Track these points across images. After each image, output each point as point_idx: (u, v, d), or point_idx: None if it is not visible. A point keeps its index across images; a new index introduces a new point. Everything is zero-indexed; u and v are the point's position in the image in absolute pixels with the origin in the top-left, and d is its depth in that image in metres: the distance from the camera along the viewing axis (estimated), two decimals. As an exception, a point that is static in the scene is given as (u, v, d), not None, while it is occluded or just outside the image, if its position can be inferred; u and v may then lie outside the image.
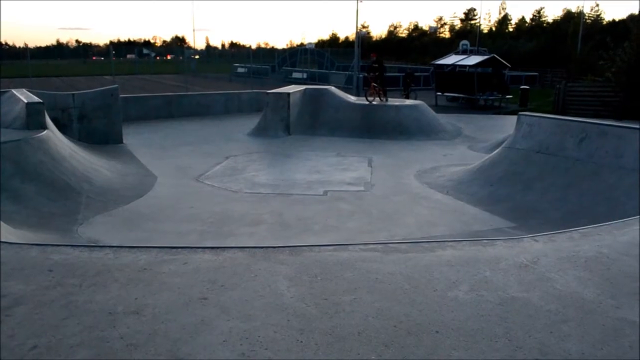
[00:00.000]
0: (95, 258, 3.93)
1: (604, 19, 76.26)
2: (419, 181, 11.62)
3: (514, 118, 22.89)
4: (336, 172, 12.37)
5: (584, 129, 10.11)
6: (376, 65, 19.53)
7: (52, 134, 10.54)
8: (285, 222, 8.49)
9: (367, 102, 18.70)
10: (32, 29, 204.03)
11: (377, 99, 19.24)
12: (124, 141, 15.35)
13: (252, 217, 8.69)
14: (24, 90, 13.17)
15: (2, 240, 4.37)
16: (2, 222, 6.38)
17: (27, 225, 7.46)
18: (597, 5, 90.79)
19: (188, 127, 19.08)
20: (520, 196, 9.84)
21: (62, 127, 13.70)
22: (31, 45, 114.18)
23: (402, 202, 9.99)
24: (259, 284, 3.53)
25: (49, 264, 3.83)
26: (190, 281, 3.56)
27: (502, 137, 15.66)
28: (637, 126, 9.45)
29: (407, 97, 26.18)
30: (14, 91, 12.72)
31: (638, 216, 6.07)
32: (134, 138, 15.84)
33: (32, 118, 10.49)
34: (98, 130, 14.91)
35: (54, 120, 13.50)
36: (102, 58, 79.86)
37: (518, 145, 11.07)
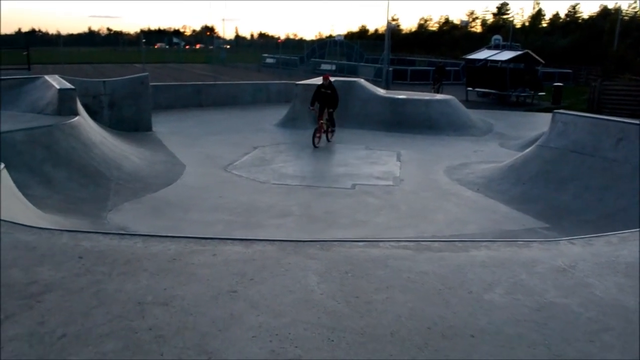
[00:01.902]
0: (125, 246, 3.91)
1: (642, 16, 74.16)
2: (449, 177, 11.44)
3: (546, 115, 22.56)
4: (364, 165, 12.26)
5: (622, 129, 9.80)
6: (328, 91, 14.44)
7: (83, 120, 10.63)
8: (312, 215, 8.42)
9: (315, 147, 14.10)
10: (64, 17, 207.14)
11: (326, 138, 14.79)
12: (153, 129, 15.44)
13: (279, 209, 8.65)
14: (57, 76, 13.31)
15: (34, 225, 4.38)
16: (33, 207, 6.45)
17: (58, 210, 7.54)
18: (636, 1, 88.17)
19: (217, 116, 19.12)
20: (554, 196, 9.60)
21: (93, 114, 13.83)
22: (63, 32, 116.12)
23: (431, 198, 9.84)
24: (288, 279, 3.47)
25: (79, 250, 3.83)
26: (219, 273, 3.51)
27: (535, 135, 15.35)
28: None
29: (437, 92, 25.86)
30: (47, 77, 12.86)
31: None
32: (163, 126, 15.92)
33: (64, 104, 10.59)
34: (128, 118, 15.03)
35: (84, 106, 13.61)
36: (132, 46, 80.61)
37: (552, 143, 10.79)
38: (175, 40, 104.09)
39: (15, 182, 7.44)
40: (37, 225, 4.54)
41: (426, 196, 9.97)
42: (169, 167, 11.07)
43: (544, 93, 29.23)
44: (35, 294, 3.17)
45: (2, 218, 4.40)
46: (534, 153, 11.09)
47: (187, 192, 9.43)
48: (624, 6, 75.85)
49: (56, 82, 12.06)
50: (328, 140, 14.74)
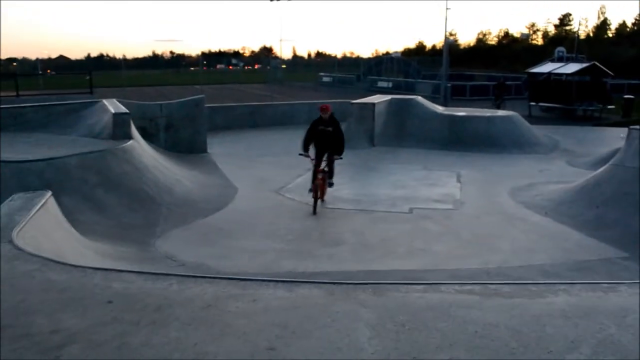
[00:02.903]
0: (159, 289, 3.58)
1: None
2: (514, 200, 10.72)
3: (616, 130, 21.30)
4: (422, 187, 11.70)
5: None
6: (329, 128, 9.99)
7: (137, 143, 10.61)
8: (367, 243, 7.96)
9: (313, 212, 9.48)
10: (131, 42, 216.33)
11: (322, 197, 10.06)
12: (209, 150, 15.39)
13: (332, 236, 8.23)
14: (114, 100, 13.47)
15: (71, 262, 4.14)
16: (79, 235, 6.30)
17: (106, 237, 7.41)
18: None
19: (271, 137, 18.98)
20: (632, 221, 8.74)
21: (150, 136, 13.92)
22: (129, 56, 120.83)
23: (495, 224, 9.18)
24: (335, 332, 3.03)
25: (109, 293, 3.53)
26: (258, 324, 3.11)
27: (606, 152, 14.38)
28: None
29: (499, 108, 24.97)
30: (105, 101, 13.02)
31: None
32: (218, 147, 15.87)
33: (118, 128, 10.61)
34: (184, 140, 15.05)
35: (142, 129, 13.76)
36: (193, 68, 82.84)
37: (628, 162, 9.93)
38: (234, 61, 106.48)
39: (67, 207, 7.40)
40: (76, 263, 4.29)
41: (489, 221, 9.32)
42: (221, 190, 10.88)
43: (613, 106, 27.72)
44: (56, 346, 2.87)
45: (43, 252, 4.21)
46: (608, 173, 10.25)
47: (238, 217, 9.16)
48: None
49: (112, 106, 12.17)
50: (322, 200, 9.91)
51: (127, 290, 3.56)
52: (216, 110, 20.55)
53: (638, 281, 4.12)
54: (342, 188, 11.51)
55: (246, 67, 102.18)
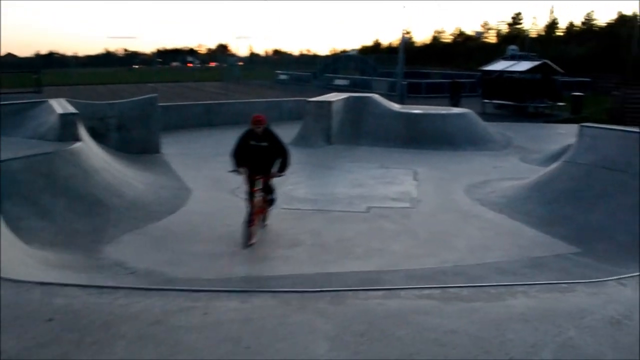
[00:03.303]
0: (104, 304, 3.37)
1: (659, 22, 72.72)
2: (469, 197, 10.80)
3: (567, 127, 21.85)
4: (380, 185, 11.67)
5: (657, 143, 9.14)
6: (263, 144, 8.02)
7: (85, 145, 10.19)
8: (324, 244, 7.84)
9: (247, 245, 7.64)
10: (83, 39, 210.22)
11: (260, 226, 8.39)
12: (162, 151, 14.99)
13: (289, 237, 8.08)
14: (62, 100, 12.94)
15: (8, 277, 3.85)
16: (21, 243, 5.97)
17: (52, 244, 7.06)
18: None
19: (228, 135, 18.46)
20: (584, 217, 8.91)
21: (100, 137, 13.44)
22: (81, 54, 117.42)
23: (452, 222, 9.21)
24: (292, 347, 2.89)
25: (50, 310, 3.29)
26: (209, 340, 2.94)
27: (557, 148, 14.68)
28: None
29: (455, 106, 25.34)
30: (51, 101, 12.49)
31: None
32: (172, 147, 15.48)
33: (66, 129, 10.16)
34: (136, 140, 14.59)
35: (91, 129, 13.25)
36: (146, 66, 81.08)
37: (580, 159, 10.13)
38: (189, 59, 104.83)
39: (9, 214, 7.02)
40: (15, 276, 4.01)
41: (446, 219, 9.34)
42: (175, 192, 10.57)
43: (563, 103, 28.47)
44: (-12, 371, 2.64)
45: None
46: (560, 169, 10.43)
47: (192, 220, 8.90)
48: (640, 12, 74.47)
49: (60, 106, 11.67)
50: (263, 223, 8.46)
51: (70, 306, 3.33)
52: (170, 109, 20.06)
53: (593, 280, 4.14)
54: (299, 187, 11.37)
55: (201, 65, 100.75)
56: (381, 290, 3.68)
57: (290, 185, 11.52)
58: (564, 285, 3.95)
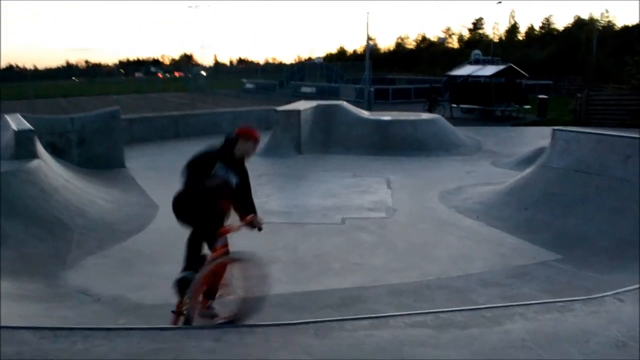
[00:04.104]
0: (59, 350, 2.97)
1: (615, 25, 74.79)
2: (445, 204, 10.60)
3: (534, 129, 22.04)
4: (354, 195, 11.39)
5: (629, 145, 9.07)
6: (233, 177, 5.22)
7: (43, 163, 9.66)
8: (301, 260, 7.50)
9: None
10: (43, 51, 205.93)
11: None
12: (127, 165, 14.45)
13: (263, 254, 7.70)
14: (18, 115, 12.32)
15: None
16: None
17: (9, 272, 6.55)
18: (607, 11, 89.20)
19: (195, 147, 18.07)
20: (562, 222, 8.78)
21: (60, 153, 12.89)
22: (41, 67, 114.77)
23: (430, 231, 8.99)
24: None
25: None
26: (181, 389, 2.59)
27: (527, 152, 14.69)
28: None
29: (431, 112, 25.47)
30: (7, 117, 11.88)
31: None
32: (137, 162, 14.94)
33: (22, 147, 9.61)
34: (99, 155, 14.03)
35: (51, 145, 12.70)
36: (109, 78, 79.59)
37: (554, 163, 10.03)
38: (153, 69, 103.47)
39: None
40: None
41: (423, 228, 9.12)
42: (141, 209, 10.10)
43: (529, 106, 28.80)
44: None
45: None
46: (535, 174, 10.31)
47: (161, 239, 8.43)
48: (597, 15, 76.45)
49: (15, 122, 11.09)
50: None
51: (20, 355, 2.92)
52: (135, 122, 19.51)
53: (591, 297, 3.91)
54: (271, 199, 11.02)
55: (166, 76, 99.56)
56: (368, 319, 3.37)
57: (263, 198, 11.16)
58: (561, 303, 3.71)
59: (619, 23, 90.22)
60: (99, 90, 54.95)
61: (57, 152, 12.70)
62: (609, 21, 75.09)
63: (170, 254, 7.71)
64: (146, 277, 6.82)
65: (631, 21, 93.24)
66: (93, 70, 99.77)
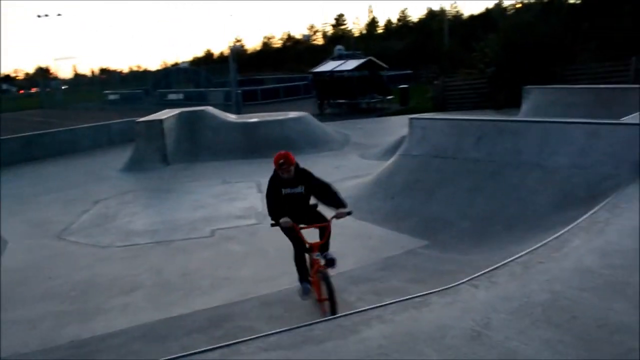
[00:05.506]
0: None
1: (463, 14, 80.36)
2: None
3: (398, 118, 22.89)
4: (223, 204, 11.05)
5: (480, 127, 9.61)
6: (298, 190, 6.21)
7: None
8: (166, 282, 7.05)
9: None
10: None
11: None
12: (-31, 197, 13.00)
13: (125, 281, 7.16)
14: None
15: None
16: None
17: None
18: (455, 2, 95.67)
19: (51, 169, 16.84)
20: (425, 208, 9.06)
21: None
22: None
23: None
24: None
25: None
26: None
27: (392, 141, 15.11)
28: (533, 120, 9.08)
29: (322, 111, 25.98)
30: None
31: (568, 227, 5.40)
32: (-18, 192, 13.49)
33: None
34: None
35: None
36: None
37: (414, 151, 10.37)
38: (4, 86, 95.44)
39: None
40: None
41: (295, 230, 8.99)
42: (-15, 246, 9.06)
43: (392, 96, 29.97)
44: None
45: None
46: (398, 163, 10.60)
47: (8, 278, 7.56)
48: (447, 7, 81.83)
49: None
50: (333, 312, 5.21)
51: None
52: (-22, 147, 17.67)
53: (446, 287, 3.94)
54: (135, 219, 10.40)
55: (21, 92, 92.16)
56: (220, 348, 3.11)
57: (127, 217, 10.51)
58: (417, 299, 3.69)
59: (467, 13, 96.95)
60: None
61: None
62: (457, 11, 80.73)
63: (18, 295, 7.05)
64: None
65: (477, 10, 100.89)
66: None
